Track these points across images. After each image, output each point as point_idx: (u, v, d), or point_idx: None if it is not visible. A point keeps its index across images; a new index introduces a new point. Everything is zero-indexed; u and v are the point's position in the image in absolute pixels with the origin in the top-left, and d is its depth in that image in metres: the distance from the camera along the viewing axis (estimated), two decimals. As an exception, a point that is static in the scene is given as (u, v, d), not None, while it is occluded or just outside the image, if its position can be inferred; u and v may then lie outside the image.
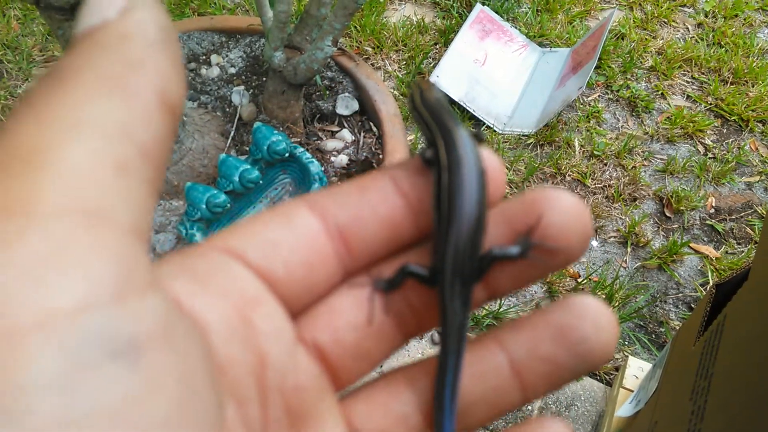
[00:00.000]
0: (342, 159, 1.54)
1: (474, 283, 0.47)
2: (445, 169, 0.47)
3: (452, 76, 2.33)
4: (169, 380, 0.26)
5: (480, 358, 0.44)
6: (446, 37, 2.50)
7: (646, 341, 1.83)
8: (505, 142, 2.22)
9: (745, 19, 2.70)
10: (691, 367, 1.28)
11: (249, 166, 1.34)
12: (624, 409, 1.57)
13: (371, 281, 0.45)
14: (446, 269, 0.46)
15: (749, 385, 0.98)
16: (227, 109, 1.54)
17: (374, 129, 1.62)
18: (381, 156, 1.53)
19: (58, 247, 0.24)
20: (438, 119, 0.51)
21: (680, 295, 1.93)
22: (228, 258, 0.38)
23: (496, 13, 2.55)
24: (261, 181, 1.37)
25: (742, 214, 2.11)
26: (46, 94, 0.27)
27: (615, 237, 2.03)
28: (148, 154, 0.28)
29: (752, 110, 2.34)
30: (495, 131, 2.24)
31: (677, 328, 1.84)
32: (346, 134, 1.60)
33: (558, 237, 0.42)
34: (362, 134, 1.61)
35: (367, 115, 1.65)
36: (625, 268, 1.97)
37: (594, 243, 2.01)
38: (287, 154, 1.39)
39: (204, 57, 1.65)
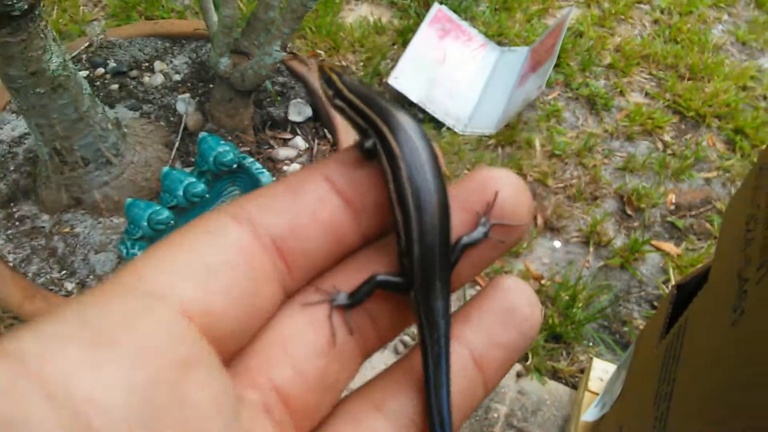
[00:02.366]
0: (295, 168, 1.49)
1: (450, 279, 0.43)
2: (399, 159, 0.42)
3: (411, 77, 2.29)
4: None
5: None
6: (404, 37, 2.45)
7: (611, 342, 1.81)
8: (466, 143, 2.19)
9: (699, 16, 2.72)
10: (654, 371, 1.26)
11: (194, 179, 1.28)
12: (590, 413, 1.55)
13: (325, 297, 0.40)
14: (423, 269, 0.42)
15: (711, 392, 0.96)
16: (171, 119, 1.47)
17: (329, 135, 1.57)
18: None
19: None
20: (375, 105, 0.46)
21: (643, 293, 1.93)
22: (148, 301, 0.31)
23: (454, 12, 2.52)
24: (207, 195, 1.30)
25: (702, 209, 2.11)
26: None
27: (577, 237, 2.01)
28: None
29: (709, 106, 2.35)
30: (455, 133, 2.21)
31: (641, 327, 1.83)
32: (300, 141, 1.55)
33: (513, 213, 0.42)
34: (316, 141, 1.56)
35: (321, 121, 1.60)
36: (587, 268, 1.95)
37: (556, 244, 1.99)
38: (235, 165, 1.33)
39: (147, 64, 1.57)
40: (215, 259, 0.33)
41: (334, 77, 0.49)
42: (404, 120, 0.44)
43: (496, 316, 0.42)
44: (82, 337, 0.27)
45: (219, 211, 0.36)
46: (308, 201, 0.38)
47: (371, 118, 0.45)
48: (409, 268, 0.42)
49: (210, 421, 0.30)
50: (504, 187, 0.42)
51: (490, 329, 0.42)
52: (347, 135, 1.51)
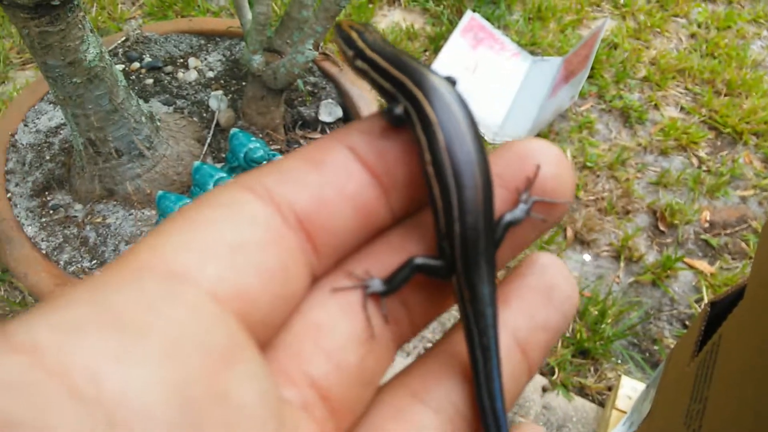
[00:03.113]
0: (324, 168, 1.48)
1: (495, 261, 0.39)
2: (435, 126, 0.38)
3: (442, 84, 2.27)
4: None
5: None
6: (436, 44, 2.44)
7: (640, 360, 1.76)
8: (496, 152, 2.16)
9: (737, 31, 2.67)
10: (686, 389, 1.22)
11: (225, 174, 1.27)
12: (617, 431, 1.50)
13: (359, 283, 0.37)
14: (465, 251, 0.38)
15: (745, 411, 0.92)
16: (204, 115, 1.47)
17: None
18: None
19: None
20: (404, 66, 0.41)
21: (674, 311, 1.87)
22: (172, 283, 0.27)
23: (487, 20, 2.50)
24: (237, 191, 1.30)
25: (737, 228, 2.06)
26: None
27: (608, 251, 1.97)
28: None
29: (746, 123, 2.30)
30: (486, 141, 2.19)
31: (671, 346, 1.78)
32: (330, 142, 1.54)
33: (555, 189, 0.39)
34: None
35: (350, 120, 1.59)
36: (618, 283, 1.91)
37: (586, 257, 1.95)
38: (266, 162, 1.32)
39: (182, 60, 1.58)
40: (240, 236, 0.29)
41: (354, 35, 0.44)
42: (439, 82, 0.39)
43: (537, 296, 0.39)
44: (103, 323, 0.23)
45: (234, 183, 0.32)
46: (333, 173, 0.34)
47: (400, 81, 0.40)
48: (450, 250, 0.38)
49: (258, 425, 0.26)
50: (545, 160, 0.38)
51: (532, 310, 0.39)
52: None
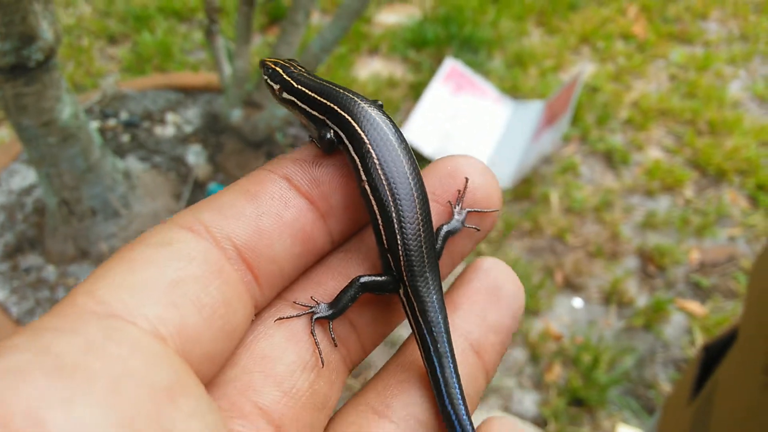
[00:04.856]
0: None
1: (439, 270, 0.41)
2: (368, 145, 0.40)
3: (424, 130, 2.28)
4: None
5: None
6: (417, 91, 2.46)
7: (636, 406, 1.72)
8: (481, 197, 2.15)
9: (716, 72, 2.71)
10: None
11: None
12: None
13: (306, 311, 0.38)
14: (410, 262, 0.40)
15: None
16: (182, 170, 1.45)
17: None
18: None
19: None
20: (331, 93, 0.43)
21: (668, 355, 1.84)
22: (113, 323, 0.26)
23: (468, 67, 2.52)
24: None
25: (726, 267, 2.04)
26: None
27: (598, 295, 1.94)
28: None
29: (729, 161, 2.31)
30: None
31: (667, 390, 1.74)
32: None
33: (485, 199, 0.42)
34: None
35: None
36: (609, 327, 1.87)
37: (576, 302, 1.92)
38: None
39: (159, 115, 1.57)
40: (178, 273, 0.30)
41: (279, 70, 0.46)
42: (367, 105, 0.41)
43: (485, 298, 0.41)
44: (44, 367, 0.23)
45: (171, 222, 0.32)
46: (269, 203, 0.35)
47: (329, 107, 0.42)
48: (394, 263, 0.40)
49: None
50: (472, 174, 0.41)
51: (481, 312, 0.40)
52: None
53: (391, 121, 0.41)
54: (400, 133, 0.41)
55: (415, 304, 0.40)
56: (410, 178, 0.39)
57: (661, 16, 2.94)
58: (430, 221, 0.40)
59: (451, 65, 2.47)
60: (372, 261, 0.41)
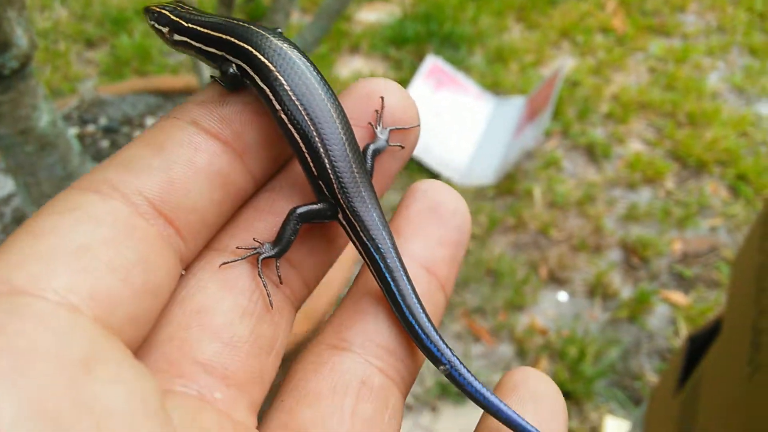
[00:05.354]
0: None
1: (373, 188, 0.41)
2: (276, 74, 0.38)
3: (407, 128, 2.28)
4: None
5: None
6: (400, 89, 2.45)
7: (622, 397, 1.73)
8: (465, 194, 2.15)
9: (695, 64, 2.73)
10: (670, 426, 1.20)
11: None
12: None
13: (250, 252, 0.36)
14: (343, 182, 0.39)
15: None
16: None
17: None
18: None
19: None
20: (228, 28, 0.41)
21: (653, 346, 1.86)
22: (17, 299, 0.25)
23: (449, 63, 2.53)
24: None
25: (709, 257, 2.06)
26: None
27: (582, 289, 1.95)
28: None
29: (709, 152, 2.33)
30: (453, 184, 2.18)
31: (653, 381, 1.76)
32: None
33: (404, 117, 0.42)
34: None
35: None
36: (595, 320, 1.89)
37: (561, 296, 1.93)
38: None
39: (139, 120, 1.55)
40: (88, 238, 0.28)
41: (166, 12, 0.43)
42: (267, 33, 0.40)
43: (425, 217, 0.40)
44: None
45: (76, 186, 0.31)
46: (178, 151, 0.34)
47: (226, 41, 0.40)
48: (327, 188, 0.39)
49: (134, 427, 0.25)
50: (388, 94, 0.41)
51: (424, 231, 0.40)
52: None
53: (295, 46, 0.39)
54: (307, 57, 0.40)
55: (356, 225, 0.39)
56: (326, 100, 0.38)
57: (639, 10, 2.96)
58: (355, 141, 0.40)
59: (432, 62, 2.47)
60: (301, 195, 0.40)
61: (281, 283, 0.37)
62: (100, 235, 0.29)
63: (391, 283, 0.38)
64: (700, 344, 1.25)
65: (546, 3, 2.94)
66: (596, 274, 1.96)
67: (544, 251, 2.02)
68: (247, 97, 0.38)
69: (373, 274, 0.40)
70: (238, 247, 0.36)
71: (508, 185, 2.17)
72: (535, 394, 0.37)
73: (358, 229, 0.40)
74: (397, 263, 0.39)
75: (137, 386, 0.26)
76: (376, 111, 0.41)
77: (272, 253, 0.37)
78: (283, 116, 0.38)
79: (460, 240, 0.41)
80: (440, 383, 1.67)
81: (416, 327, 0.38)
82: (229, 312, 0.33)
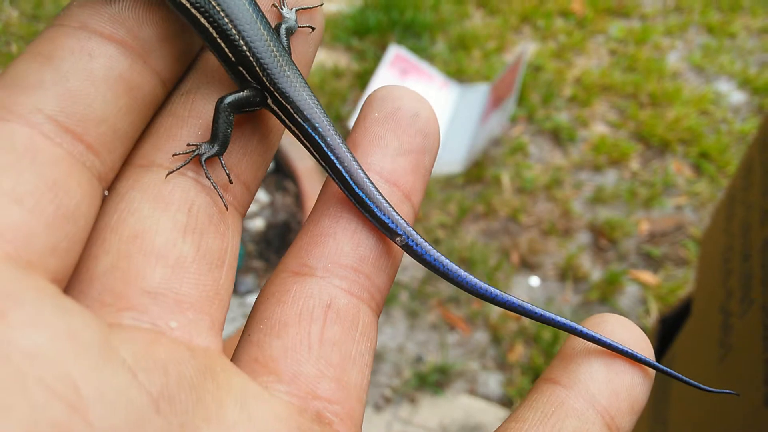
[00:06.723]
0: (258, 223, 1.42)
1: (296, 66, 0.39)
2: None
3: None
4: None
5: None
6: (363, 80, 2.43)
7: (597, 380, 1.75)
8: (435, 183, 2.15)
9: (654, 44, 2.76)
10: (645, 411, 1.21)
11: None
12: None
13: (191, 155, 0.34)
14: (265, 66, 0.37)
15: (704, 429, 0.91)
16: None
17: (291, 187, 1.51)
18: (301, 217, 1.42)
19: None
20: None
21: (625, 326, 1.88)
22: None
23: (412, 52, 2.51)
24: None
25: (675, 236, 2.10)
26: None
27: (553, 273, 1.97)
28: None
29: (672, 131, 2.37)
30: (422, 173, 2.17)
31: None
32: (261, 195, 1.49)
33: None
34: (278, 194, 1.50)
35: (282, 172, 1.54)
36: (567, 303, 1.90)
37: (533, 280, 1.94)
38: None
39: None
40: None
41: None
42: None
43: (384, 126, 0.38)
44: None
45: None
46: (71, 60, 0.30)
47: None
48: (250, 73, 0.37)
49: (62, 366, 0.23)
50: None
51: (380, 142, 0.38)
52: (312, 185, 1.45)
53: None
54: None
55: (287, 107, 0.38)
56: None
57: (598, -8, 2.98)
58: (267, 20, 0.38)
59: (395, 52, 2.45)
60: (220, 91, 0.37)
61: (231, 182, 0.35)
62: (14, 167, 0.26)
63: (335, 161, 0.37)
64: (671, 325, 1.26)
65: (506, -12, 2.94)
66: (566, 257, 1.98)
67: (515, 237, 2.03)
68: None
69: (315, 157, 0.38)
70: (175, 154, 0.33)
71: (477, 172, 2.18)
72: (618, 319, 0.39)
73: (291, 111, 0.38)
74: (338, 140, 0.37)
75: (63, 324, 0.24)
76: None
77: (214, 151, 0.35)
78: (184, 1, 0.35)
79: (423, 146, 0.38)
80: (418, 375, 1.67)
81: (366, 199, 0.36)
82: (169, 232, 0.31)
